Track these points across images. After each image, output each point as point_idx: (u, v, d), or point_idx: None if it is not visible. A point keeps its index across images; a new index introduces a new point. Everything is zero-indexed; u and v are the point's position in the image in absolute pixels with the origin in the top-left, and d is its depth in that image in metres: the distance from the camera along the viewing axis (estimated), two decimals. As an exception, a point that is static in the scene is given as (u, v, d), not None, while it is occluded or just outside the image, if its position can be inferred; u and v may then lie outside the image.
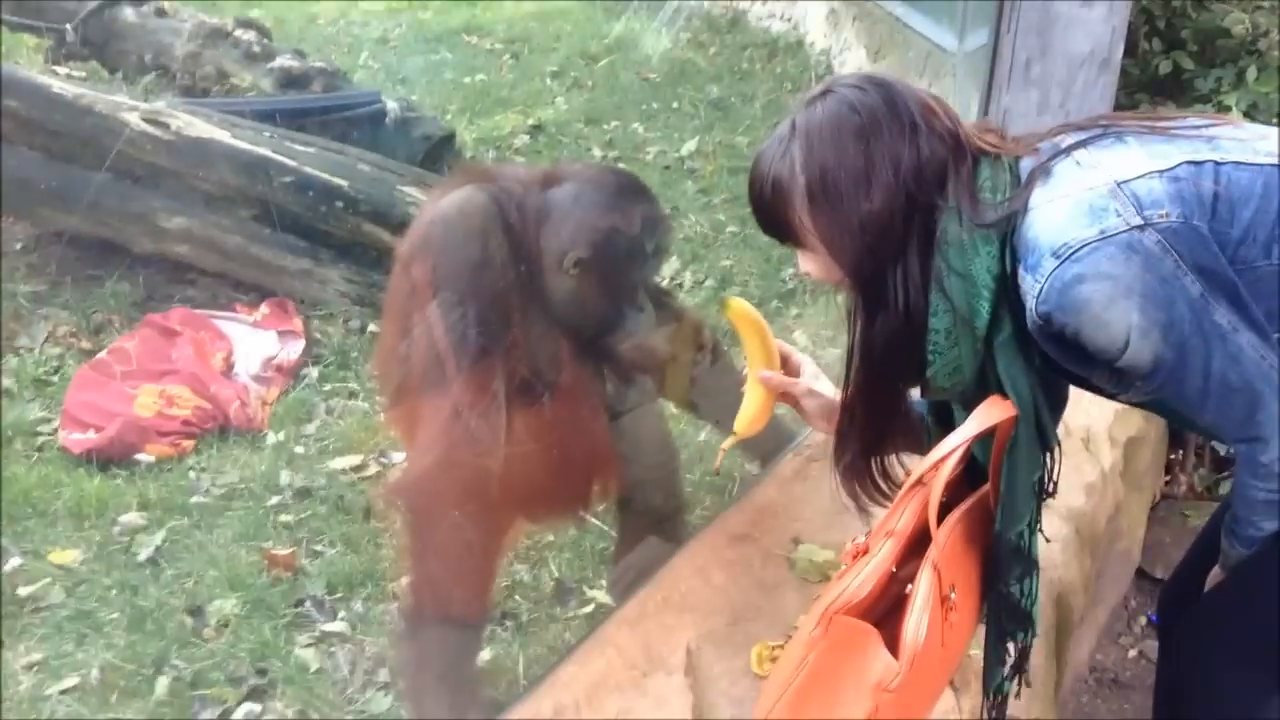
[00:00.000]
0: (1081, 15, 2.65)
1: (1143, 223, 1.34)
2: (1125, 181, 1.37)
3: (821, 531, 2.12)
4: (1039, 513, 1.62)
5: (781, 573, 2.04)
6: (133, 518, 2.78)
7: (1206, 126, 1.48)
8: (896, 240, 1.43)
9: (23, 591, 2.52)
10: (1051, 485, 1.63)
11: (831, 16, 5.86)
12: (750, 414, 1.75)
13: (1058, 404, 1.66)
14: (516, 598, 2.54)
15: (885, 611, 1.52)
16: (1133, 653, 2.69)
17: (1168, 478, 2.95)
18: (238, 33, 4.65)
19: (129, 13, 4.74)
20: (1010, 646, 1.66)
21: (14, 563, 2.61)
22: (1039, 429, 1.51)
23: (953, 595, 1.51)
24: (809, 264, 1.53)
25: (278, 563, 2.63)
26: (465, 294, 2.01)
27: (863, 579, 1.47)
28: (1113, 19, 2.67)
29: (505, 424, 2.02)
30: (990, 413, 1.55)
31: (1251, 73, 2.87)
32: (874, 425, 1.62)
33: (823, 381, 1.79)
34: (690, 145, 5.02)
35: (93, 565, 2.64)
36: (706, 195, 4.60)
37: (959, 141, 1.45)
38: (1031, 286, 1.38)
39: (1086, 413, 2.50)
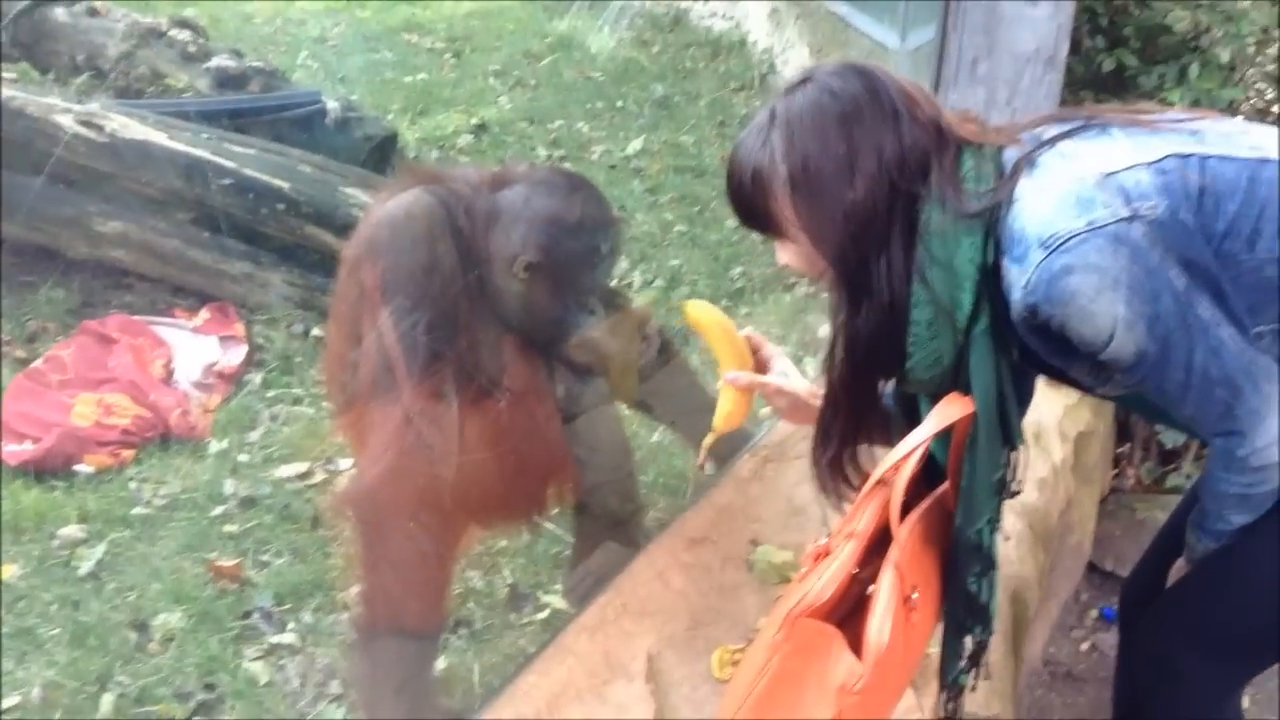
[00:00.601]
0: (1027, 13, 2.66)
1: (1130, 215, 1.33)
2: (1112, 173, 1.36)
3: (779, 532, 2.11)
4: (999, 511, 1.60)
5: (740, 575, 2.02)
6: (72, 530, 2.72)
7: (1189, 120, 1.48)
8: (880, 230, 1.41)
9: (-41, 609, 2.45)
10: (1015, 484, 1.61)
11: (774, 15, 5.88)
12: (727, 410, 1.73)
13: (1024, 399, 1.66)
14: (470, 605, 2.51)
15: (847, 613, 1.51)
16: (1085, 645, 2.71)
17: (1116, 471, 2.98)
18: (172, 32, 4.56)
19: (60, 13, 4.61)
20: (967, 641, 1.65)
21: (-51, 579, 2.53)
22: (1003, 425, 1.50)
23: (914, 596, 1.50)
24: (789, 256, 1.52)
25: (223, 574, 2.58)
26: (413, 299, 1.98)
27: (825, 581, 1.46)
28: (1058, 16, 2.68)
29: (457, 430, 1.99)
30: (948, 411, 1.55)
31: (1194, 70, 2.90)
32: (855, 419, 1.60)
33: (793, 376, 1.76)
34: (636, 144, 5.00)
35: (32, 580, 2.57)
36: (653, 195, 4.59)
37: (941, 130, 1.44)
38: (1018, 277, 1.37)
39: (1036, 408, 2.48)
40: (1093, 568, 2.86)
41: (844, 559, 1.48)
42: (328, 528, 2.71)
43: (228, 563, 2.60)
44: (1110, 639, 2.70)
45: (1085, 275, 1.33)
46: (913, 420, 1.58)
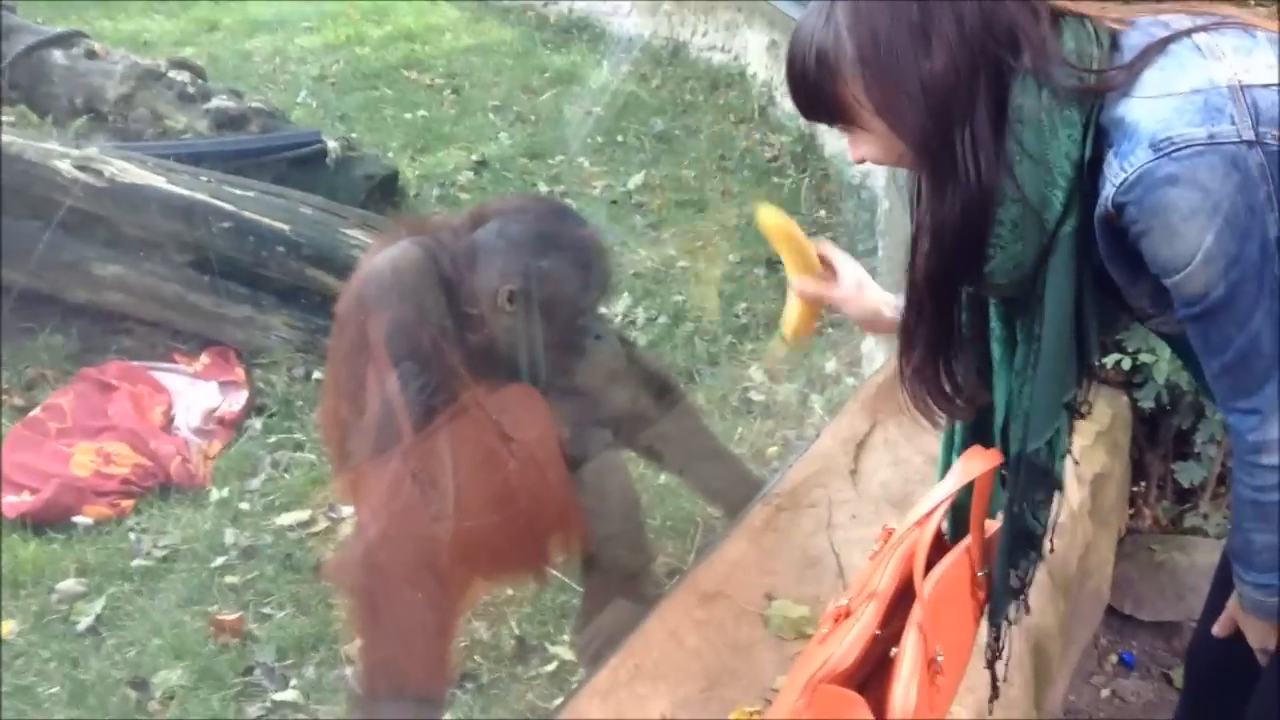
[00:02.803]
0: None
1: (1254, 139, 1.21)
2: (1250, 86, 1.23)
3: (795, 585, 2.06)
4: (1069, 436, 1.51)
5: (756, 631, 1.97)
6: (71, 584, 2.67)
7: None
8: (963, 102, 1.27)
9: (-44, 668, 2.40)
10: (1084, 406, 1.53)
11: (773, 48, 5.86)
12: (793, 320, 1.70)
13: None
14: (476, 658, 2.46)
15: (867, 674, 1.47)
16: (1105, 692, 2.65)
17: (1132, 511, 2.93)
18: (171, 74, 4.56)
19: (58, 55, 4.63)
20: (1013, 575, 1.57)
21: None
22: (1079, 339, 1.40)
23: (939, 659, 1.45)
24: (864, 146, 1.38)
25: (224, 628, 2.53)
26: (402, 355, 1.94)
27: (847, 646, 1.41)
28: None
29: (453, 487, 1.94)
30: (971, 465, 1.51)
31: None
32: (943, 320, 1.46)
33: (869, 286, 1.66)
34: (637, 179, 4.99)
35: (30, 636, 2.53)
36: (655, 230, 4.57)
37: None
38: (1115, 173, 1.25)
39: (1052, 450, 2.47)
40: (1111, 611, 2.80)
41: (866, 620, 1.43)
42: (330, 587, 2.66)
43: (229, 616, 2.56)
44: (1130, 685, 2.65)
45: (1188, 191, 1.21)
46: (982, 335, 1.49)
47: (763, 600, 2.03)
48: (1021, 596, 1.61)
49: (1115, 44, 1.31)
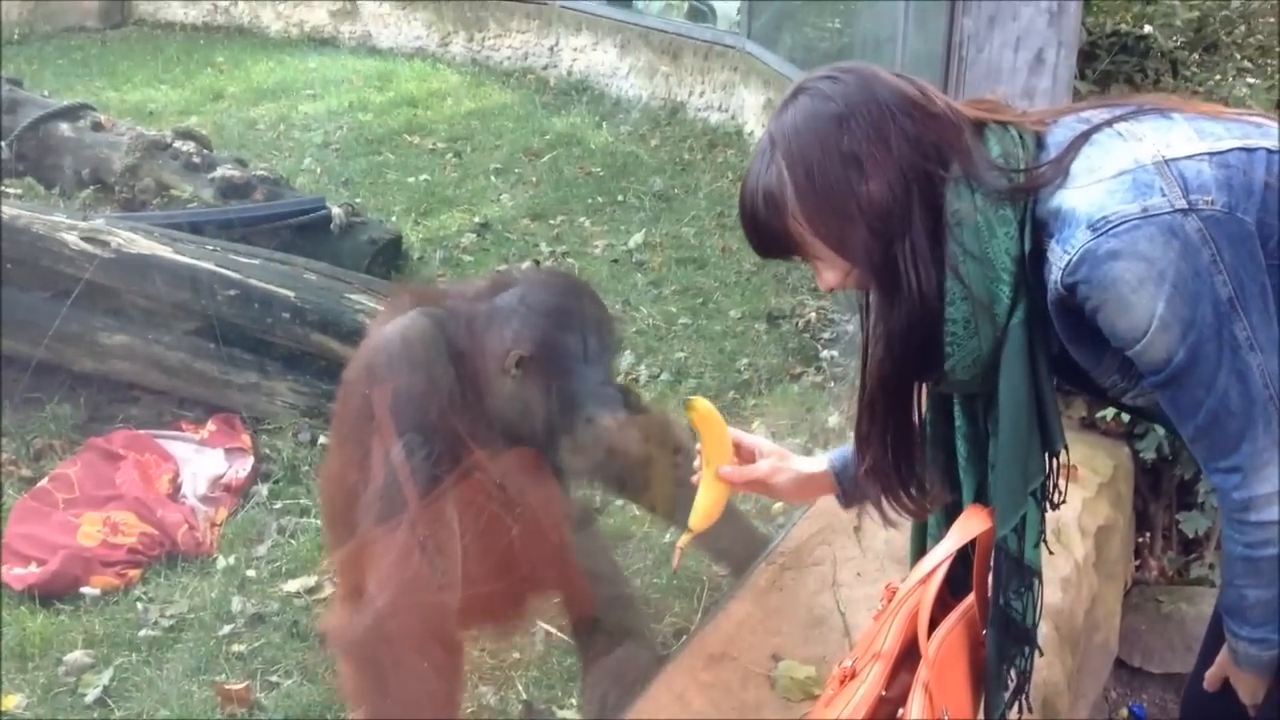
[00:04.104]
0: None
1: (1187, 206, 1.27)
2: (1174, 160, 1.29)
3: (801, 645, 2.06)
4: (1041, 522, 1.52)
5: (763, 692, 1.97)
6: (79, 656, 2.66)
7: (1256, 114, 1.40)
8: (900, 218, 1.34)
9: (-38, 744, 2.39)
10: (1056, 494, 1.55)
11: (768, 106, 5.94)
12: (706, 508, 1.67)
13: None
14: (484, 723, 2.45)
15: (875, 736, 1.47)
16: (1116, 746, 2.64)
17: (1137, 562, 2.93)
18: (177, 144, 4.63)
19: (65, 128, 4.70)
20: (1010, 672, 1.56)
21: (-47, 712, 2.48)
22: (1042, 426, 1.43)
23: (945, 717, 1.46)
24: (827, 273, 1.44)
25: (232, 698, 2.52)
26: (408, 425, 1.95)
27: (854, 707, 1.43)
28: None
29: (459, 557, 1.95)
30: (969, 525, 1.52)
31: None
32: (896, 422, 1.51)
33: (791, 458, 1.69)
34: (637, 238, 5.03)
35: (38, 710, 2.51)
36: (656, 287, 4.61)
37: (953, 112, 1.38)
38: (1059, 258, 1.30)
39: (1055, 503, 2.47)
40: (1120, 664, 2.79)
41: (871, 682, 1.44)
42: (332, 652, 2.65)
43: (236, 686, 2.54)
44: (1141, 738, 2.64)
45: (1131, 263, 1.26)
46: (947, 433, 1.53)
47: (769, 661, 2.03)
48: (1021, 695, 1.60)
49: (1040, 143, 1.39)
